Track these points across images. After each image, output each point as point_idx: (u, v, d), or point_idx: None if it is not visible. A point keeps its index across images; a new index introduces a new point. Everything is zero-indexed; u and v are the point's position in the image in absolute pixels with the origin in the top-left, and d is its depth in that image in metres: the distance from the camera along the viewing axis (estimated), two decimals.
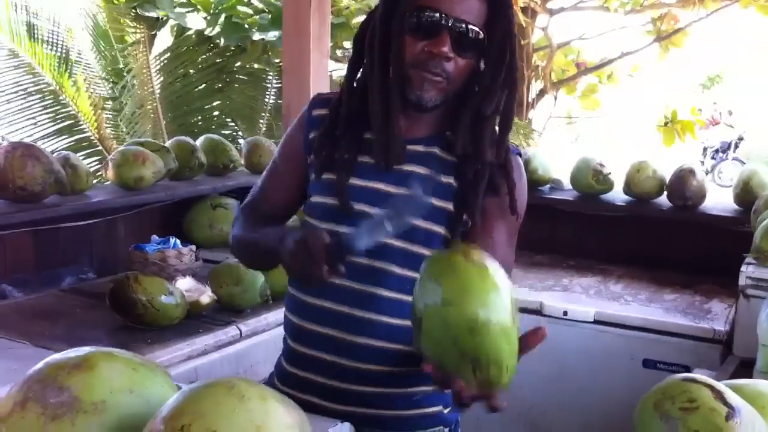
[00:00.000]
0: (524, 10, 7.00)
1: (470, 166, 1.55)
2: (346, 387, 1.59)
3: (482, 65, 1.55)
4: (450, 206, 1.55)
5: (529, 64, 7.64)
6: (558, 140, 11.07)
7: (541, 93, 7.84)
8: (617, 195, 3.30)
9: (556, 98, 8.05)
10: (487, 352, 1.10)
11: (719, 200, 3.26)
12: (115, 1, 6.43)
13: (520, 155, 1.65)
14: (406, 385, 1.59)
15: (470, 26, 1.48)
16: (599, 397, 2.70)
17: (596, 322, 2.72)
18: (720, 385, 1.16)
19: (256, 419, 0.82)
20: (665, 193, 3.17)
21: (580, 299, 2.85)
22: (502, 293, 1.10)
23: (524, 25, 7.15)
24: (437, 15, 1.48)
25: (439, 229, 1.54)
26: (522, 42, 7.48)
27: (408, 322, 1.41)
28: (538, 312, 2.78)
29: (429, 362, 1.16)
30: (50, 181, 2.68)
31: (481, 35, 1.50)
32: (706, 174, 3.34)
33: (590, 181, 3.25)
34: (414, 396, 1.60)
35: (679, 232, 3.20)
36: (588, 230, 3.38)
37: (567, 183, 3.43)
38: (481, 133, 1.55)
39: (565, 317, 2.75)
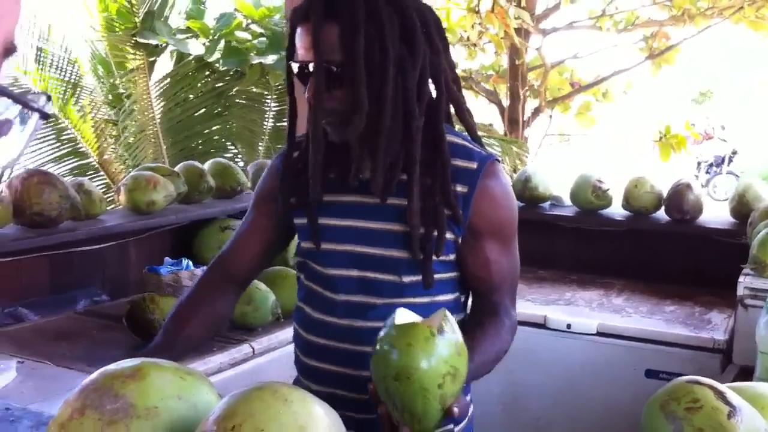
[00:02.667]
0: (518, 31, 7.12)
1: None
2: (351, 416, 1.63)
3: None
4: (400, 228, 1.55)
5: (524, 83, 7.75)
6: (554, 158, 11.17)
7: (536, 111, 7.95)
8: (616, 210, 3.38)
9: (551, 117, 8.16)
10: (402, 400, 1.24)
11: (716, 213, 3.35)
12: (116, 29, 6.52)
13: (499, 161, 1.63)
14: None
15: (326, 62, 1.46)
16: (603, 407, 2.77)
17: (599, 334, 2.79)
18: (722, 386, 1.23)
19: (300, 420, 0.89)
20: (663, 207, 3.25)
21: (584, 312, 2.92)
22: (437, 363, 1.22)
23: (518, 46, 7.26)
24: (299, 67, 1.51)
25: (399, 254, 1.56)
26: (516, 62, 7.60)
27: None
28: (541, 326, 2.85)
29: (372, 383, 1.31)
30: (66, 206, 2.75)
31: (331, 66, 1.47)
32: (701, 188, 3.41)
33: (589, 196, 3.33)
34: None
35: (678, 245, 3.28)
36: (588, 245, 3.46)
37: (567, 199, 3.51)
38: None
39: (568, 330, 2.82)
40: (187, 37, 6.63)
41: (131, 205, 3.06)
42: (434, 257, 1.54)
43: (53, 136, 6.63)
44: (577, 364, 2.82)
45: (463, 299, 1.70)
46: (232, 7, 6.96)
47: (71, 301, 2.96)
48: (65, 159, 6.75)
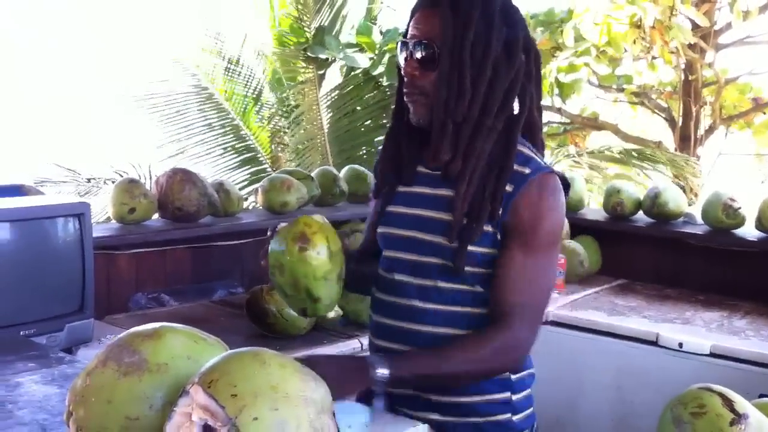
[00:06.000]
0: (692, 46, 6.89)
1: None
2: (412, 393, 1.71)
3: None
4: (447, 217, 1.65)
5: (697, 99, 7.47)
6: (743, 178, 10.58)
7: (710, 129, 7.63)
8: (749, 230, 3.25)
9: (726, 134, 7.80)
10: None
11: None
12: (288, 45, 6.94)
13: (559, 176, 1.68)
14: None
15: (422, 42, 1.61)
16: None
17: (712, 354, 2.70)
18: (733, 395, 1.23)
19: (273, 381, 1.01)
20: None
21: (699, 332, 2.84)
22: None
23: (690, 61, 7.01)
24: (401, 43, 1.66)
25: (443, 241, 1.65)
26: (690, 78, 7.34)
27: (451, 330, 1.66)
28: (653, 343, 2.80)
29: None
30: (204, 203, 3.03)
31: (434, 48, 1.60)
32: None
33: (720, 215, 3.22)
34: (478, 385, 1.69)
35: None
36: (718, 265, 3.34)
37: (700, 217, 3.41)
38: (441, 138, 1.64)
39: (680, 349, 2.76)
40: (355, 51, 6.92)
41: (266, 205, 3.30)
42: (470, 246, 1.63)
43: (242, 147, 7.12)
44: (689, 384, 2.72)
45: None
46: (400, 23, 7.21)
47: (210, 291, 3.24)
48: (245, 166, 7.23)
